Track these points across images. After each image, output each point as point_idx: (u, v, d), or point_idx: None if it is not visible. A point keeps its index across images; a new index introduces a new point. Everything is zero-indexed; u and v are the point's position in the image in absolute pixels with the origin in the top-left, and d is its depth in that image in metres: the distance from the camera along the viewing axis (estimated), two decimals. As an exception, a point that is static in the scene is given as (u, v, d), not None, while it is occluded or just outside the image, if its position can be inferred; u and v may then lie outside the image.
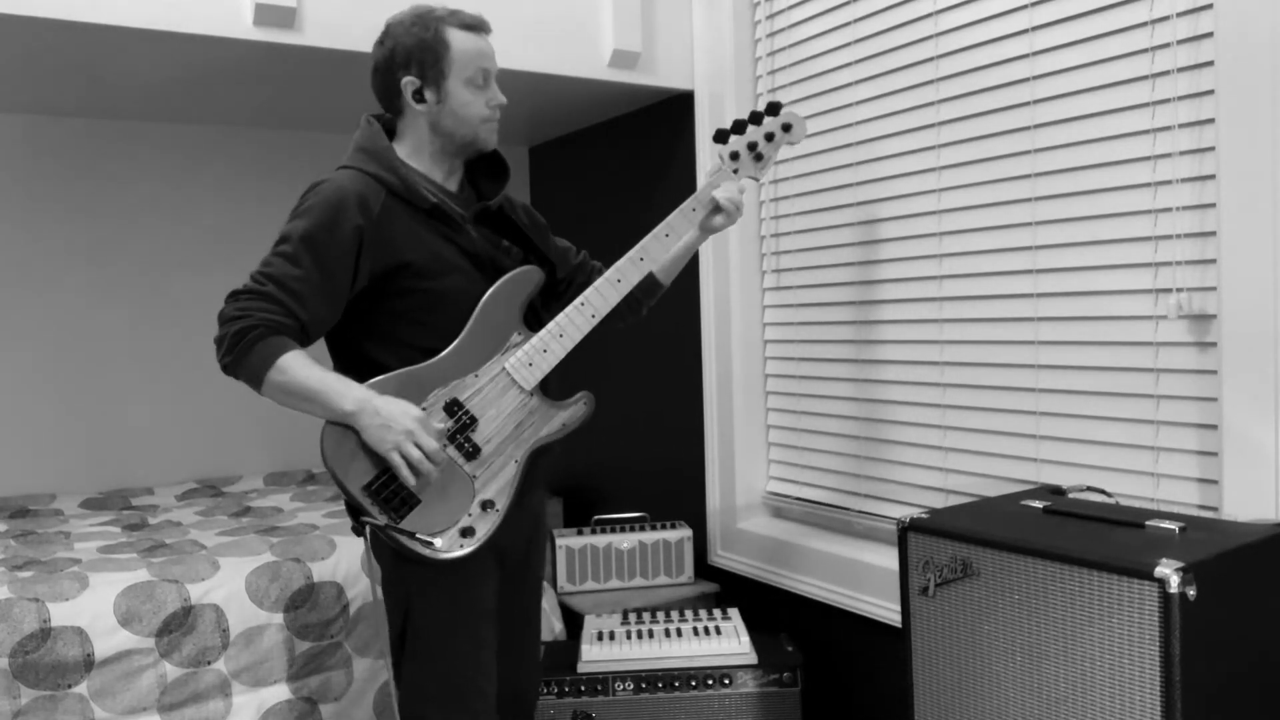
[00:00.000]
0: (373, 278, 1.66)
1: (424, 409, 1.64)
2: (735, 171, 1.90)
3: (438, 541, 1.61)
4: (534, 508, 1.87)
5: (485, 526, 1.65)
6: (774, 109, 1.89)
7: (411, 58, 1.69)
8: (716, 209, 1.89)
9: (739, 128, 1.88)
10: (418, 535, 1.60)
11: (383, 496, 1.60)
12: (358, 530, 1.68)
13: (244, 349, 1.57)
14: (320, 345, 1.74)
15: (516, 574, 1.85)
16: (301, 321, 1.61)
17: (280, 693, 2.23)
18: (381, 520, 1.59)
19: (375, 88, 1.76)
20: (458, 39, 1.69)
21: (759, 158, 1.90)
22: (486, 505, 1.66)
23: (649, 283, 1.97)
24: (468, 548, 1.63)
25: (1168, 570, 1.26)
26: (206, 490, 3.16)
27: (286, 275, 1.60)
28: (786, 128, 1.90)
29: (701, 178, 2.75)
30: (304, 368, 1.58)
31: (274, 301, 1.59)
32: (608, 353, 3.30)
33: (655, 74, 2.73)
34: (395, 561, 1.69)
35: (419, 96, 1.70)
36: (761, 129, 1.89)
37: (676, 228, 1.84)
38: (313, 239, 1.61)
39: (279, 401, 1.61)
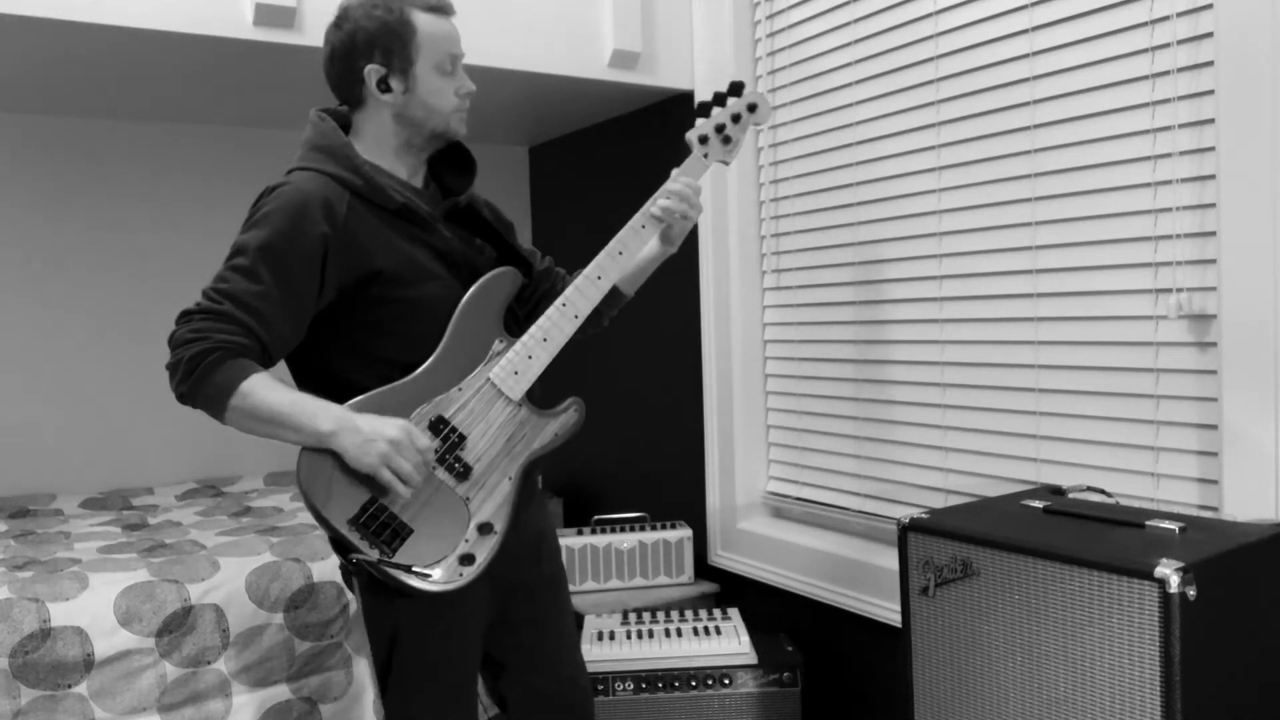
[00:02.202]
0: (341, 290, 1.51)
1: None
2: (705, 156, 1.82)
3: (436, 573, 1.47)
4: (533, 524, 1.72)
5: (485, 551, 1.51)
6: (736, 89, 1.81)
7: (375, 43, 1.53)
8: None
9: (704, 110, 1.82)
10: (414, 568, 1.46)
11: (371, 529, 1.45)
12: (347, 568, 1.53)
13: (201, 375, 1.41)
14: (283, 368, 1.59)
15: (539, 588, 1.73)
16: (263, 342, 1.46)
17: (280, 693, 2.23)
18: (373, 555, 1.45)
19: (331, 77, 1.60)
20: (424, 22, 1.55)
21: (727, 140, 1.82)
22: (484, 528, 1.52)
23: (612, 292, 1.83)
24: (468, 576, 1.49)
25: (1168, 570, 1.26)
26: (206, 490, 3.16)
27: (244, 291, 1.44)
28: (752, 108, 1.83)
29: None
30: (271, 390, 1.43)
31: (231, 321, 1.43)
32: (608, 353, 3.30)
33: (655, 74, 2.73)
34: (379, 592, 1.54)
35: (384, 86, 1.55)
36: (727, 110, 1.81)
37: (652, 220, 1.78)
38: (272, 250, 1.45)
39: (244, 429, 1.46)
